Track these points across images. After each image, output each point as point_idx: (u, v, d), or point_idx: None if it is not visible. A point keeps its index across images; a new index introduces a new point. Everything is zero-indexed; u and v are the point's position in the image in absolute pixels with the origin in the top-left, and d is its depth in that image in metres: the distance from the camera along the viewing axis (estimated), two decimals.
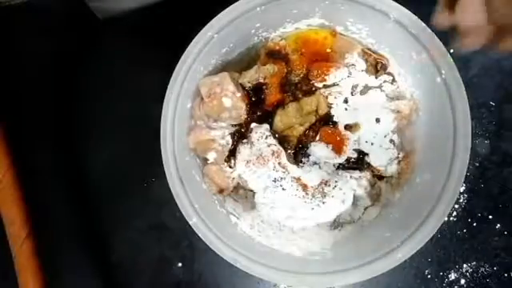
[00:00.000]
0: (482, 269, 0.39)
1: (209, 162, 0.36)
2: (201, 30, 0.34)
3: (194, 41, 0.34)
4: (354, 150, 0.36)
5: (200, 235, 0.33)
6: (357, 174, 0.36)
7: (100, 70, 0.44)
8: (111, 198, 0.42)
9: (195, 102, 0.36)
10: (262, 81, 0.36)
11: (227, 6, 0.34)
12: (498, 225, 0.39)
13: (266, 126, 0.36)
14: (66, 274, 0.41)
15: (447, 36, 0.31)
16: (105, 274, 0.42)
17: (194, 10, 0.43)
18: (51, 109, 0.44)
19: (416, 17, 0.32)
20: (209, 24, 0.34)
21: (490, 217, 0.39)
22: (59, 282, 0.40)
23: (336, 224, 0.36)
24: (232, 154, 0.37)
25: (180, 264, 0.41)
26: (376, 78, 0.36)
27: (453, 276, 0.39)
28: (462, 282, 0.39)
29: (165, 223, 0.42)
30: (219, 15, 0.34)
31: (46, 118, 0.44)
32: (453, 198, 0.31)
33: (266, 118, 0.37)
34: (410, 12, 0.32)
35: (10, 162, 0.36)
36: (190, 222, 0.33)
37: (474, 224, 0.39)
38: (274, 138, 0.36)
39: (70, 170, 0.43)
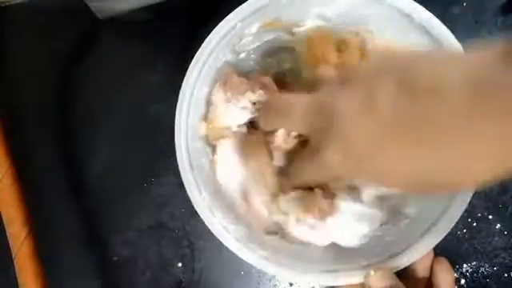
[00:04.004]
0: (482, 269, 0.39)
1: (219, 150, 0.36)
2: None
3: (217, 28, 0.34)
4: None
5: (206, 222, 0.32)
6: None
7: (100, 70, 0.44)
8: (111, 198, 0.42)
9: (216, 87, 0.35)
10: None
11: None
12: (498, 225, 0.39)
13: None
14: (66, 274, 0.41)
15: None
16: (105, 273, 0.42)
17: (195, 9, 0.43)
18: (51, 109, 0.44)
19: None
20: (234, 12, 0.34)
21: (490, 217, 0.39)
22: (59, 281, 0.40)
23: None
24: None
25: (180, 264, 0.41)
26: None
27: None
28: (462, 281, 0.39)
29: (165, 223, 0.42)
30: (244, 4, 0.33)
31: (46, 118, 0.44)
32: (464, 201, 0.31)
33: None
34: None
35: (10, 162, 0.36)
36: (198, 210, 0.33)
37: (474, 224, 0.39)
38: None
39: (69, 170, 0.43)
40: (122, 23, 0.43)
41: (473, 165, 0.19)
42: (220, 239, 0.32)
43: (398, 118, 0.20)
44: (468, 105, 0.18)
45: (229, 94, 0.35)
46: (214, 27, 0.34)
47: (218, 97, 0.35)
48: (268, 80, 0.35)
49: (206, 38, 0.34)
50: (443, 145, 0.19)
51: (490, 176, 0.20)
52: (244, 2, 0.34)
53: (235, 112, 0.35)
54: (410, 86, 0.20)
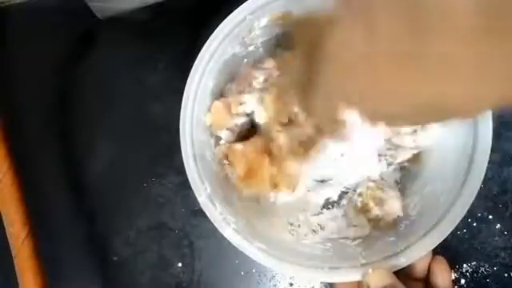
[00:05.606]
0: (482, 269, 0.39)
1: (221, 141, 0.36)
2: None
3: (226, 20, 0.34)
4: None
5: (206, 213, 0.32)
6: None
7: (100, 70, 0.44)
8: (111, 198, 0.42)
9: (226, 87, 0.36)
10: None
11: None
12: (498, 225, 0.39)
13: None
14: (66, 274, 0.41)
15: None
16: (105, 274, 0.42)
17: (196, 9, 0.43)
18: (51, 109, 0.44)
19: None
20: (244, 4, 0.33)
21: (490, 217, 0.39)
22: (59, 281, 0.40)
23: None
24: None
25: (180, 264, 0.41)
26: None
27: (453, 276, 0.39)
28: (462, 281, 0.39)
29: (165, 223, 0.42)
30: None
31: (46, 118, 0.44)
32: (466, 204, 0.31)
33: None
34: None
35: (10, 162, 0.36)
36: (199, 199, 0.33)
37: (474, 224, 0.39)
38: None
39: (69, 170, 0.43)
40: (122, 23, 0.43)
41: (477, 89, 0.19)
42: (220, 230, 0.32)
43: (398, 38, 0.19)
44: (474, 26, 0.17)
45: (241, 87, 0.35)
46: (214, 27, 0.34)
47: (232, 91, 0.36)
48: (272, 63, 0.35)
49: (206, 37, 0.34)
50: (443, 68, 0.18)
51: (491, 102, 0.19)
52: (242, 1, 0.34)
53: (249, 99, 0.36)
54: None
